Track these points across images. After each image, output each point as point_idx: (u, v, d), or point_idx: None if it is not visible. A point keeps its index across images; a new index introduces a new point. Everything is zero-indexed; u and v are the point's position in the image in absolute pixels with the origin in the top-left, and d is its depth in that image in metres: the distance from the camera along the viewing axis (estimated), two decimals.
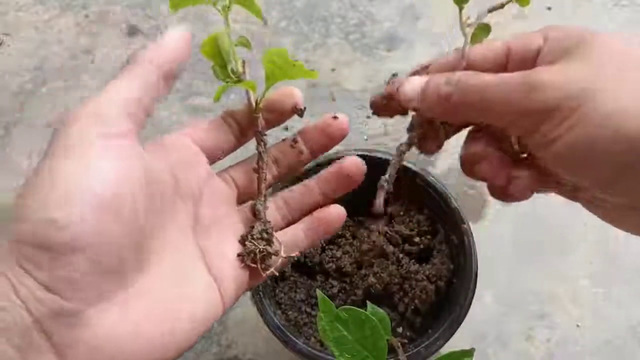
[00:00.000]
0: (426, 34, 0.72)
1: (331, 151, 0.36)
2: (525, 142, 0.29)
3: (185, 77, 0.69)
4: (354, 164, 0.34)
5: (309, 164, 0.36)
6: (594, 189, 0.28)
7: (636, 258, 0.59)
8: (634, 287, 0.58)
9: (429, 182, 0.49)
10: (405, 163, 0.49)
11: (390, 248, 0.51)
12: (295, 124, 0.40)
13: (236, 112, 0.34)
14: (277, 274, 0.33)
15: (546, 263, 0.59)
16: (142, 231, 0.27)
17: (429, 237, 0.52)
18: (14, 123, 0.67)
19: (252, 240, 0.32)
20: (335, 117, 0.34)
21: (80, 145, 0.25)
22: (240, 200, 0.35)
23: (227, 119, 0.34)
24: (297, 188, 0.36)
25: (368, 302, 0.35)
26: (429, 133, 0.32)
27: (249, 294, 0.46)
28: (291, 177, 0.37)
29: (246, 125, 0.34)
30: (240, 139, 0.35)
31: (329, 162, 0.36)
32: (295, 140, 0.35)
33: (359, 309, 0.31)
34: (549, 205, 0.61)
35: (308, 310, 0.50)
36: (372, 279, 0.50)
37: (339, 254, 0.51)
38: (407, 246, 0.52)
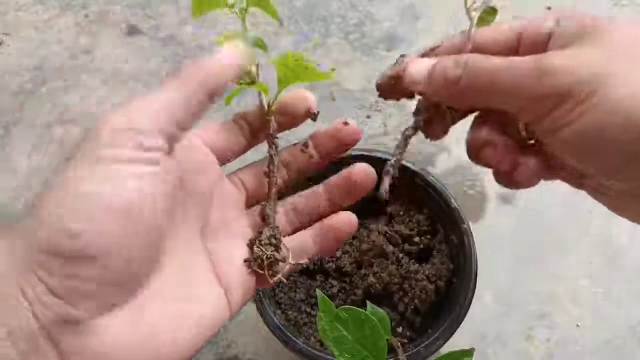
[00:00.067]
0: (426, 34, 0.72)
1: None
2: (533, 129, 0.29)
3: None
4: (363, 171, 0.34)
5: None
6: (601, 177, 0.27)
7: (636, 258, 0.59)
8: (634, 287, 0.58)
9: (429, 182, 0.49)
10: (405, 163, 0.49)
11: (390, 248, 0.51)
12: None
13: (248, 114, 0.34)
14: (285, 280, 0.32)
15: (546, 263, 0.59)
16: (159, 232, 0.27)
17: (429, 237, 0.52)
18: (14, 123, 0.67)
19: (260, 246, 0.32)
20: (346, 123, 0.34)
21: (106, 157, 0.25)
22: (249, 204, 0.34)
23: (239, 121, 0.34)
24: (306, 194, 0.35)
25: (368, 302, 0.35)
26: (435, 117, 0.32)
27: None
28: (296, 180, 0.36)
29: (258, 127, 0.34)
30: (252, 142, 0.34)
31: (339, 166, 0.35)
32: (306, 145, 0.34)
33: (359, 309, 0.31)
34: (549, 205, 0.61)
35: (308, 310, 0.50)
36: (372, 279, 0.50)
37: (339, 254, 0.51)
38: (407, 246, 0.52)
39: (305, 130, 0.36)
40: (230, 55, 0.29)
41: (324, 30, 0.72)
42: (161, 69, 0.70)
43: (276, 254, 0.32)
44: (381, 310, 0.35)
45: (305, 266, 0.40)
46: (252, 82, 0.32)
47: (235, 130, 0.33)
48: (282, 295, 0.50)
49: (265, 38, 0.33)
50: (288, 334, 0.45)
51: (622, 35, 0.25)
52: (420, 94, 0.31)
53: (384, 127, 0.66)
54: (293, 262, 0.32)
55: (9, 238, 0.24)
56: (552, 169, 0.30)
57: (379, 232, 0.51)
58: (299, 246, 0.33)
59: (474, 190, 0.63)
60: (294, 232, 0.35)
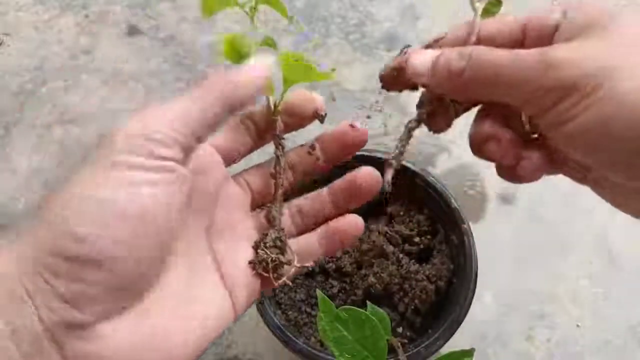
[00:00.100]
0: (426, 34, 0.72)
1: None
2: (536, 122, 0.28)
3: (186, 77, 0.69)
4: (368, 174, 0.33)
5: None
6: (605, 171, 0.27)
7: (636, 258, 0.59)
8: (634, 287, 0.58)
9: (429, 182, 0.49)
10: (405, 163, 0.49)
11: (390, 248, 0.51)
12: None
13: (254, 113, 0.33)
14: (289, 283, 0.32)
15: (546, 263, 0.59)
16: (171, 235, 0.26)
17: (429, 237, 0.52)
18: (14, 123, 0.67)
19: (265, 248, 0.31)
20: (352, 126, 0.33)
21: (120, 162, 0.25)
22: (254, 205, 0.34)
23: (245, 121, 0.33)
24: (311, 196, 0.34)
25: (368, 302, 0.35)
26: (438, 110, 0.31)
27: None
28: (302, 182, 0.36)
29: (264, 127, 0.33)
30: (258, 142, 0.34)
31: (344, 169, 0.35)
32: (313, 147, 0.34)
33: (359, 309, 0.31)
34: (549, 205, 0.61)
35: (308, 310, 0.50)
36: (372, 279, 0.50)
37: (339, 254, 0.51)
38: (407, 246, 0.52)
39: (310, 130, 0.35)
40: (257, 70, 0.28)
41: (324, 30, 0.72)
42: (161, 68, 0.70)
43: (281, 257, 0.31)
44: (381, 310, 0.35)
45: (310, 268, 0.40)
46: None
47: (241, 130, 0.33)
48: (282, 295, 0.50)
49: None
50: (288, 334, 0.45)
51: (628, 28, 0.25)
52: (424, 86, 0.31)
53: (384, 127, 0.66)
54: (298, 265, 0.32)
55: (17, 238, 0.24)
56: (555, 163, 0.29)
57: (379, 232, 0.51)
58: (304, 248, 0.33)
59: (474, 190, 0.63)
60: (299, 233, 0.34)
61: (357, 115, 0.67)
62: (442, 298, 0.49)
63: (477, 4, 0.30)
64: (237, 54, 0.31)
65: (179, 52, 0.71)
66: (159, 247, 0.26)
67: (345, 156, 0.34)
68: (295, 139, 0.35)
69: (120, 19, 0.73)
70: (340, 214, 0.34)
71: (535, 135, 0.30)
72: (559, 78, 0.24)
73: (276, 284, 0.31)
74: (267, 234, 0.32)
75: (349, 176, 0.33)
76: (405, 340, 0.48)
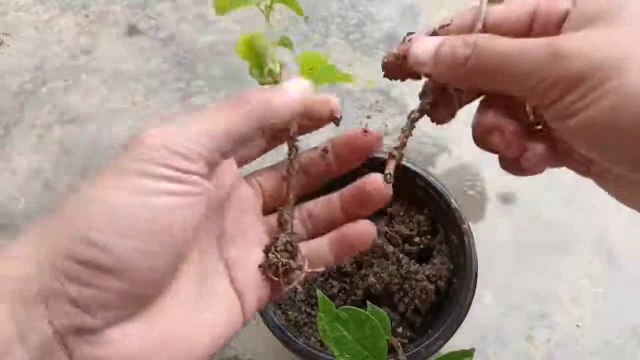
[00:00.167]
0: None
1: None
2: (541, 113, 0.27)
3: (186, 77, 0.69)
4: (377, 181, 0.32)
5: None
6: (610, 165, 0.26)
7: (636, 258, 0.59)
8: (634, 287, 0.58)
9: (429, 182, 0.49)
10: (405, 163, 0.49)
11: (390, 248, 0.51)
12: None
13: None
14: (300, 288, 0.31)
15: (546, 263, 0.59)
16: (186, 245, 0.26)
17: (429, 237, 0.52)
18: (14, 123, 0.67)
19: (276, 252, 0.31)
20: (365, 132, 0.32)
21: (139, 171, 0.24)
22: (265, 208, 0.34)
23: None
24: (321, 201, 0.34)
25: (368, 302, 0.35)
26: (441, 100, 0.30)
27: None
28: (314, 186, 0.35)
29: (278, 128, 0.32)
30: (271, 143, 0.33)
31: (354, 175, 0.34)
32: (325, 150, 0.33)
33: (359, 309, 0.31)
34: (549, 205, 0.61)
35: (308, 310, 0.50)
36: (372, 279, 0.50)
37: None
38: (407, 246, 0.52)
39: (321, 132, 0.35)
40: (293, 94, 0.28)
41: (324, 30, 0.72)
42: (161, 68, 0.70)
43: (291, 262, 0.31)
44: (381, 310, 0.35)
45: (319, 274, 0.39)
46: (275, 82, 0.31)
47: None
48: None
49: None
50: (288, 334, 0.45)
51: (638, 18, 0.24)
52: (427, 76, 0.30)
53: (384, 127, 0.66)
54: (309, 270, 0.31)
55: (27, 239, 0.24)
56: (559, 155, 0.29)
57: (379, 232, 0.51)
58: (315, 253, 0.32)
59: (474, 190, 0.63)
60: (310, 238, 0.33)
61: (357, 115, 0.67)
62: (442, 298, 0.49)
63: None
64: (254, 54, 0.30)
65: (179, 52, 0.71)
66: (173, 256, 0.26)
67: (357, 160, 0.33)
68: (308, 141, 0.35)
69: (120, 19, 0.73)
70: (351, 220, 0.33)
71: (540, 127, 0.29)
72: (566, 69, 0.24)
73: (286, 289, 0.31)
74: (278, 238, 0.31)
75: (358, 183, 0.33)
76: (405, 340, 0.48)
